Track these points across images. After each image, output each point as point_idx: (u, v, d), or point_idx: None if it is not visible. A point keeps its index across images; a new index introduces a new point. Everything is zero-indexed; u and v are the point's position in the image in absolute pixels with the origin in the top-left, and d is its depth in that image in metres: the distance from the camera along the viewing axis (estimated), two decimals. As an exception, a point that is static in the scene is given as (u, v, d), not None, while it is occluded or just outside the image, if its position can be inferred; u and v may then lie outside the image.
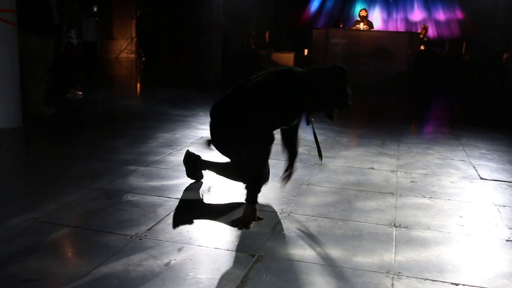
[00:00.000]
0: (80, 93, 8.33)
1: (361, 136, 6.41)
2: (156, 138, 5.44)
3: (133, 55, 17.56)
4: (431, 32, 17.17)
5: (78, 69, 8.53)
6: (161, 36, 16.44)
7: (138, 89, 10.84)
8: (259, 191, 3.09)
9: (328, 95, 3.04)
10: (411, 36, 13.10)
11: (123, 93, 9.85)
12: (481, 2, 16.16)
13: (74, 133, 5.64)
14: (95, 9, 10.10)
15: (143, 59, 16.82)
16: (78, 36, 8.30)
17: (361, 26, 13.20)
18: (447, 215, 3.43)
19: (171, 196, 3.54)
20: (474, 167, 4.81)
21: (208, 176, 3.90)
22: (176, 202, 3.43)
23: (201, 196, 3.61)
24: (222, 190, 3.75)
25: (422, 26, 14.76)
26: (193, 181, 3.90)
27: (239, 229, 2.98)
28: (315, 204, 3.51)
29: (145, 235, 2.85)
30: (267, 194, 3.65)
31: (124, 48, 17.42)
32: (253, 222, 3.07)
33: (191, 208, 3.37)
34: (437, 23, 18.24)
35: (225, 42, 13.37)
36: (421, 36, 13.88)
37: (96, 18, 10.16)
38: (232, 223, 3.06)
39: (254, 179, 3.07)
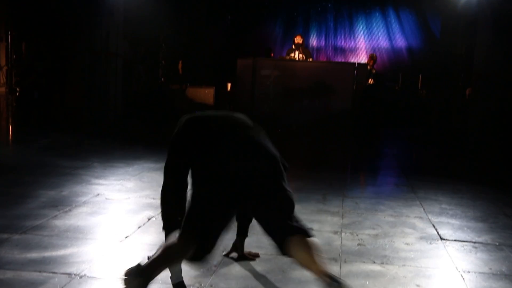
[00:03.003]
0: None
1: (297, 189, 6.52)
2: (36, 196, 5.35)
3: (2, 88, 17.14)
4: (380, 62, 18.06)
5: None
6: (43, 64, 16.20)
7: (11, 133, 10.59)
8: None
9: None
10: (357, 67, 13.65)
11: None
12: (440, 26, 17.21)
13: None
14: None
15: (17, 93, 16.46)
16: None
17: (297, 55, 13.66)
18: (401, 285, 3.59)
19: (56, 271, 3.48)
20: (434, 226, 5.06)
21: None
22: (63, 279, 3.38)
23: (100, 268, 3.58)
24: (124, 259, 3.74)
25: (370, 55, 15.46)
26: (85, 249, 3.86)
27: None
28: (242, 275, 3.57)
29: (22, 322, 2.79)
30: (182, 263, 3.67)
31: (-9, 80, 17.00)
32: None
33: (84, 285, 3.33)
34: (386, 52, 19.21)
35: (127, 74, 13.41)
36: (368, 67, 14.49)
37: None
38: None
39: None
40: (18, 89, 16.57)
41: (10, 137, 10.11)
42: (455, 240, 4.64)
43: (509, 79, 11.63)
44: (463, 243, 4.58)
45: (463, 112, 14.06)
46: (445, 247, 4.44)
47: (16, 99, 15.72)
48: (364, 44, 19.62)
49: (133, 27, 13.65)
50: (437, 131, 13.42)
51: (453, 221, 5.26)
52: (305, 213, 5.27)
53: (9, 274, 3.41)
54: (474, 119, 12.63)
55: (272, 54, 16.09)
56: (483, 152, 10.50)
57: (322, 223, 4.93)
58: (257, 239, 4.36)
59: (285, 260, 3.93)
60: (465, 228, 5.02)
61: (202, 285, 3.40)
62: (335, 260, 3.98)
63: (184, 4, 17.69)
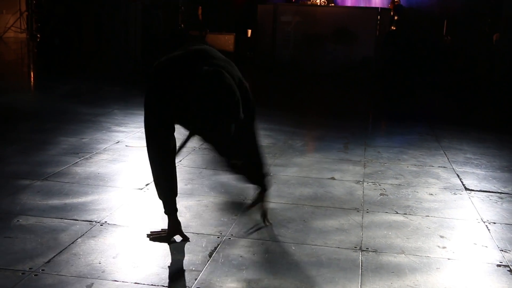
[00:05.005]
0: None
1: (318, 138, 6.54)
2: (57, 143, 5.36)
3: (23, 35, 17.14)
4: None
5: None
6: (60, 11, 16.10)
7: (32, 80, 10.61)
8: (163, 198, 3.23)
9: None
10: (380, 13, 13.41)
11: (11, 85, 9.61)
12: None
13: None
14: None
15: (38, 39, 16.46)
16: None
17: (318, 0, 13.44)
18: (425, 235, 3.56)
19: (77, 218, 3.50)
20: (458, 176, 5.00)
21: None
22: (84, 226, 3.39)
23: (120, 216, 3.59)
24: (145, 207, 3.75)
25: (392, 0, 15.17)
26: (106, 197, 3.87)
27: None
28: (262, 224, 3.56)
29: (43, 270, 2.81)
30: (201, 213, 3.67)
31: (11, 25, 16.98)
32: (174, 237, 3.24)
33: (105, 233, 3.34)
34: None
35: (146, 20, 13.28)
36: (391, 13, 14.24)
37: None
38: (153, 239, 3.23)
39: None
40: (38, 35, 16.57)
41: (31, 84, 10.13)
42: (480, 191, 4.58)
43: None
44: (489, 193, 4.52)
45: (489, 59, 13.81)
46: (469, 198, 4.39)
47: (36, 45, 15.73)
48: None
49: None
50: (462, 79, 13.21)
51: (478, 171, 5.19)
52: (326, 162, 5.24)
53: (31, 220, 3.43)
54: (501, 66, 12.41)
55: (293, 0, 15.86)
56: (509, 101, 10.33)
57: (344, 173, 4.90)
58: (278, 188, 4.34)
59: (307, 209, 3.92)
60: (491, 178, 4.95)
61: (223, 234, 3.39)
62: (357, 210, 3.95)
63: None
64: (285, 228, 3.55)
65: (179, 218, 3.26)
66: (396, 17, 14.35)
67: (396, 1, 14.84)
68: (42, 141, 5.39)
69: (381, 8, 14.53)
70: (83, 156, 4.95)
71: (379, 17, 13.05)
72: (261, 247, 3.24)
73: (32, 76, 11.07)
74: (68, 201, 3.81)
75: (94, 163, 4.77)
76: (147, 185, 4.21)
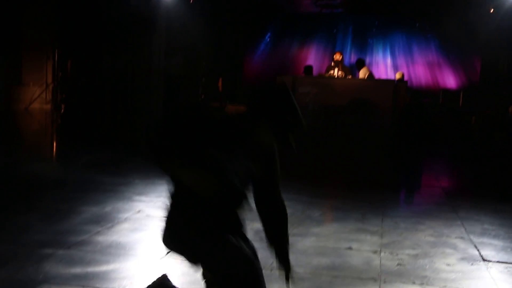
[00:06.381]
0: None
1: (336, 208, 6.56)
2: (80, 212, 5.45)
3: (48, 106, 17.47)
4: (418, 78, 18.01)
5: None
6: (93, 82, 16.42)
7: (55, 149, 10.80)
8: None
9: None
10: (397, 84, 13.60)
11: (34, 155, 9.80)
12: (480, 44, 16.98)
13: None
14: None
15: (62, 110, 16.77)
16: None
17: (336, 72, 13.68)
18: (442, 306, 3.56)
19: (99, 286, 3.55)
20: (476, 246, 5.00)
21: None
22: (105, 294, 3.45)
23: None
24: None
25: (398, 73, 15.39)
26: (126, 265, 3.93)
27: None
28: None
29: (66, 337, 2.85)
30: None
31: (37, 97, 17.34)
32: None
33: (125, 302, 3.39)
34: (428, 68, 19.02)
35: (170, 91, 13.57)
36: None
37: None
38: None
39: None
40: (63, 106, 16.91)
41: (54, 154, 10.31)
42: (498, 262, 4.57)
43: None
44: (507, 264, 4.52)
45: (506, 129, 13.87)
46: (487, 269, 4.38)
47: (61, 116, 16.04)
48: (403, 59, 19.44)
49: (175, 44, 13.82)
50: (479, 149, 13.24)
51: (495, 242, 5.18)
52: (344, 232, 5.27)
53: (53, 289, 3.49)
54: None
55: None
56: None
57: (361, 242, 4.92)
58: (296, 258, 4.37)
59: (324, 278, 3.94)
60: (509, 250, 4.94)
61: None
62: (374, 280, 3.96)
63: (226, 21, 17.88)
64: (302, 297, 3.57)
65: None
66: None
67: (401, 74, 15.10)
68: (65, 210, 5.48)
69: (397, 80, 14.77)
70: (104, 225, 5.03)
71: (395, 88, 13.23)
72: (279, 316, 3.26)
73: (55, 146, 11.26)
74: (90, 269, 3.87)
75: (116, 232, 4.84)
76: (167, 253, 4.27)
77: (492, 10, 15.65)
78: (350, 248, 4.73)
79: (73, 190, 6.48)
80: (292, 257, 4.27)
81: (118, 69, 13.29)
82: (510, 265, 4.51)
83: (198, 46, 16.54)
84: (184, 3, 14.56)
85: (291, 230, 5.03)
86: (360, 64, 14.77)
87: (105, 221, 5.19)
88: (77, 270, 3.85)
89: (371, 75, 14.23)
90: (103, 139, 11.52)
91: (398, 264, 4.36)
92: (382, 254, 4.61)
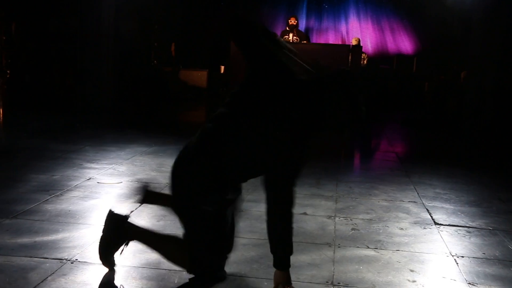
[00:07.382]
0: None
1: (291, 174, 6.57)
2: (27, 180, 5.34)
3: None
4: (372, 45, 18.10)
5: None
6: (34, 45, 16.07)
7: (1, 116, 10.55)
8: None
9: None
10: (352, 49, 13.64)
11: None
12: (433, 10, 17.17)
13: None
14: None
15: (8, 75, 16.37)
16: None
17: (290, 37, 13.64)
18: (395, 270, 3.61)
19: (47, 256, 3.48)
20: (428, 210, 5.08)
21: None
22: (54, 264, 3.38)
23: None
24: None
25: (354, 39, 15.50)
26: (76, 234, 3.86)
27: None
28: (234, 260, 3.57)
29: (12, 308, 2.80)
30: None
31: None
32: None
33: (76, 270, 3.33)
34: (379, 34, 19.16)
35: (120, 56, 13.34)
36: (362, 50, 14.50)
37: None
38: None
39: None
40: (8, 72, 16.50)
41: (0, 121, 10.07)
42: (449, 225, 4.66)
43: (505, 62, 11.62)
44: (457, 228, 4.60)
45: (458, 95, 14.11)
46: (439, 232, 4.46)
47: (6, 81, 15.65)
48: (356, 25, 19.51)
49: (126, 8, 13.56)
50: (432, 115, 13.45)
51: (447, 205, 5.28)
52: (298, 197, 5.26)
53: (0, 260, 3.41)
54: (469, 103, 12.65)
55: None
56: (477, 137, 10.52)
57: (316, 208, 4.95)
58: (250, 224, 4.37)
59: (279, 245, 3.94)
60: (459, 213, 5.04)
61: (195, 270, 3.39)
62: (329, 245, 3.99)
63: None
64: (257, 263, 3.57)
65: (152, 254, 3.26)
66: (364, 54, 14.64)
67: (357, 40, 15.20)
68: (11, 179, 5.36)
69: (352, 45, 14.81)
70: (53, 194, 4.93)
71: (350, 54, 13.27)
72: (233, 283, 3.26)
73: (1, 113, 11.00)
74: (38, 239, 3.79)
75: (65, 200, 4.75)
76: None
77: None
78: (305, 214, 4.75)
79: (20, 157, 6.35)
80: (246, 224, 4.29)
81: (66, 33, 12.96)
82: (460, 228, 4.59)
83: (150, 10, 16.26)
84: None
85: (246, 196, 5.02)
86: None
87: (53, 189, 5.09)
88: (25, 239, 3.76)
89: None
90: (51, 106, 11.29)
91: (352, 229, 4.40)
92: (336, 219, 4.64)
